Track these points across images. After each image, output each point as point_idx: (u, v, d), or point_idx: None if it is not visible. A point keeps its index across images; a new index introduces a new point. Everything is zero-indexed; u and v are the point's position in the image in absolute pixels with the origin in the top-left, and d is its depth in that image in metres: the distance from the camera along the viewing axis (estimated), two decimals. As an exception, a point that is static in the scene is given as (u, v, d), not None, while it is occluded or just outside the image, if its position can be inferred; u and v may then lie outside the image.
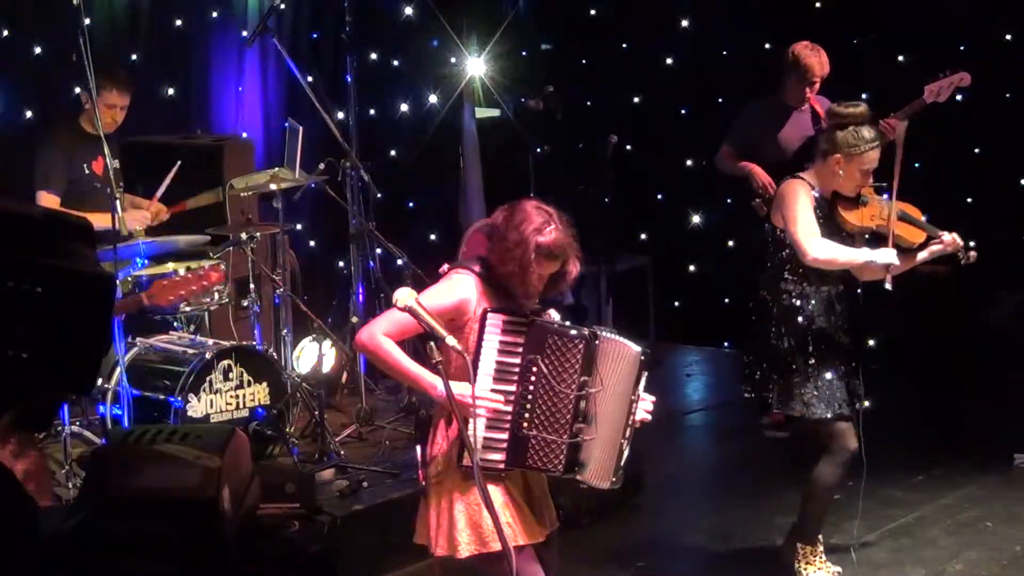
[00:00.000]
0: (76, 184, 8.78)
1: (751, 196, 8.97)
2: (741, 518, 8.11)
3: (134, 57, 10.59)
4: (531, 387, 5.26)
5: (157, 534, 6.18)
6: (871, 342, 10.78)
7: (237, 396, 8.25)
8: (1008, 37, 10.96)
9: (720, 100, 12.05)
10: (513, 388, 5.26)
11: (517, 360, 5.25)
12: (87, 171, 8.81)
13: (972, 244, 7.04)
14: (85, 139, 8.73)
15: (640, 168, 12.46)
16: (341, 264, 10.33)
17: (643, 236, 12.76)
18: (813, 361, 6.86)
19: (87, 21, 8.22)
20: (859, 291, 6.99)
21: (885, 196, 6.91)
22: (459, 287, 5.36)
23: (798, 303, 6.89)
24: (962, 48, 10.93)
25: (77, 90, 8.50)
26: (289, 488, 7.25)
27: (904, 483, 8.77)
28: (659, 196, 12.69)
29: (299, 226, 11.16)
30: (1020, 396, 10.09)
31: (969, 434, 9.37)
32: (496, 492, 5.29)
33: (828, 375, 6.86)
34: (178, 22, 10.94)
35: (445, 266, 5.51)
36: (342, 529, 7.16)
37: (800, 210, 6.78)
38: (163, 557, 6.19)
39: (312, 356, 9.54)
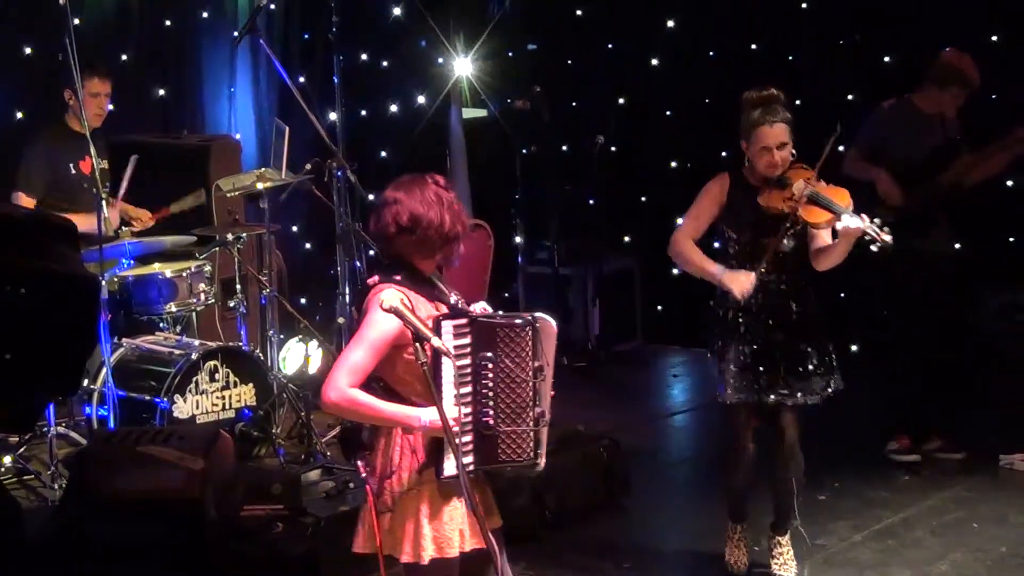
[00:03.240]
0: (63, 184, 8.77)
1: (871, 201, 8.86)
2: (726, 519, 8.08)
3: (124, 57, 10.59)
4: (489, 384, 5.24)
5: (140, 536, 6.19)
6: (854, 347, 10.85)
7: (223, 397, 8.24)
8: (994, 38, 10.98)
9: (707, 101, 12.06)
10: (469, 389, 5.24)
11: (468, 361, 5.22)
12: (73, 171, 8.80)
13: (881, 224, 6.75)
14: (71, 138, 8.72)
15: (626, 169, 12.46)
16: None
17: (629, 238, 12.75)
18: (732, 346, 6.93)
19: (76, 22, 8.22)
20: (806, 287, 6.98)
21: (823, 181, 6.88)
22: (387, 305, 5.27)
23: (718, 290, 6.97)
24: (947, 49, 10.92)
25: (62, 87, 8.48)
26: (275, 489, 7.24)
27: (890, 484, 8.77)
28: (645, 198, 12.68)
29: (294, 227, 11.17)
30: (1005, 397, 10.11)
31: (956, 435, 9.36)
32: (454, 497, 5.28)
33: (742, 358, 6.92)
34: (168, 23, 10.93)
35: (375, 277, 5.40)
36: (327, 530, 7.14)
37: (695, 203, 7.05)
38: (146, 559, 6.19)
39: (298, 357, 9.54)
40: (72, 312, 4.32)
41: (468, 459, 5.23)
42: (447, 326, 5.18)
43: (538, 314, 5.36)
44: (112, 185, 8.85)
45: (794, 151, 6.85)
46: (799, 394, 6.93)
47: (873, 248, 6.67)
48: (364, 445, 5.41)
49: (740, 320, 6.90)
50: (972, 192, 9.06)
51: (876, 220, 6.67)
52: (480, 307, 5.39)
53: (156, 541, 6.23)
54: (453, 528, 5.29)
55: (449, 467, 5.20)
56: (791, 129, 6.83)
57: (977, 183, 8.98)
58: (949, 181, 8.85)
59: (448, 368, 5.13)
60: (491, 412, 5.24)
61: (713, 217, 7.02)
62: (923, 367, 9.10)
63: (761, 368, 6.91)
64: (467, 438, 5.24)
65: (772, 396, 6.91)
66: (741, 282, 6.78)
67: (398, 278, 5.30)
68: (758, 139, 6.83)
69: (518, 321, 5.29)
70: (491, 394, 5.25)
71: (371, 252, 8.96)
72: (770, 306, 6.91)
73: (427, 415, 5.16)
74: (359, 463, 5.37)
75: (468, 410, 5.23)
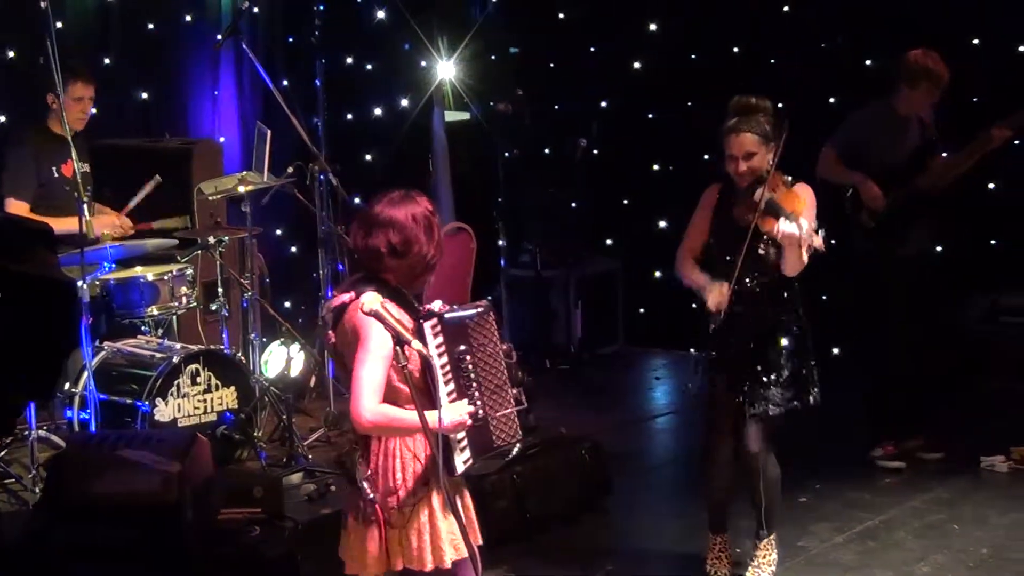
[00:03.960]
0: (46, 188, 8.76)
1: (854, 207, 8.93)
2: (708, 521, 8.10)
3: (107, 61, 10.57)
4: (471, 375, 5.27)
5: (116, 539, 6.18)
6: (835, 350, 10.87)
7: (205, 400, 8.23)
8: (976, 41, 11.00)
9: (689, 104, 12.07)
10: (453, 386, 5.26)
11: (446, 359, 5.24)
12: (56, 174, 8.79)
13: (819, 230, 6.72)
14: (54, 142, 8.70)
15: (609, 172, 12.47)
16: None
17: (612, 241, 12.76)
18: (699, 346, 7.03)
19: (59, 25, 8.21)
20: (788, 296, 6.96)
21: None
22: (380, 325, 5.21)
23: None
24: (914, 49, 10.95)
25: (45, 90, 8.48)
26: (257, 492, 7.23)
27: (872, 486, 8.79)
28: (627, 200, 12.69)
29: (279, 231, 11.16)
30: (987, 399, 10.15)
31: (937, 437, 9.38)
32: (437, 508, 5.29)
33: (704, 366, 7.01)
34: (151, 26, 10.92)
35: (351, 295, 5.37)
36: (309, 534, 7.13)
37: (693, 214, 7.10)
38: (122, 562, 6.18)
39: (280, 360, 9.53)
40: (49, 316, 4.31)
41: (467, 454, 5.29)
42: (427, 327, 5.19)
43: (480, 302, 5.46)
44: (95, 189, 8.85)
45: (771, 160, 6.86)
46: (759, 403, 6.93)
47: (805, 254, 6.65)
48: (361, 465, 5.41)
49: (714, 327, 6.92)
50: (953, 193, 9.08)
51: (815, 226, 6.65)
52: (438, 305, 5.40)
53: (132, 545, 6.21)
54: (445, 537, 5.30)
55: (459, 463, 5.26)
56: (766, 141, 6.84)
57: (954, 183, 9.01)
58: (927, 183, 8.88)
59: (436, 367, 5.17)
60: (478, 402, 5.27)
61: (708, 227, 7.05)
62: (906, 370, 9.12)
63: (727, 373, 6.96)
64: (460, 434, 5.26)
65: (751, 409, 6.95)
66: (715, 295, 6.84)
67: (373, 287, 5.31)
68: (726, 145, 6.90)
69: (480, 310, 5.37)
70: (474, 384, 5.27)
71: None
72: (745, 315, 6.92)
73: (447, 415, 5.17)
74: (364, 485, 5.34)
75: (469, 401, 5.27)
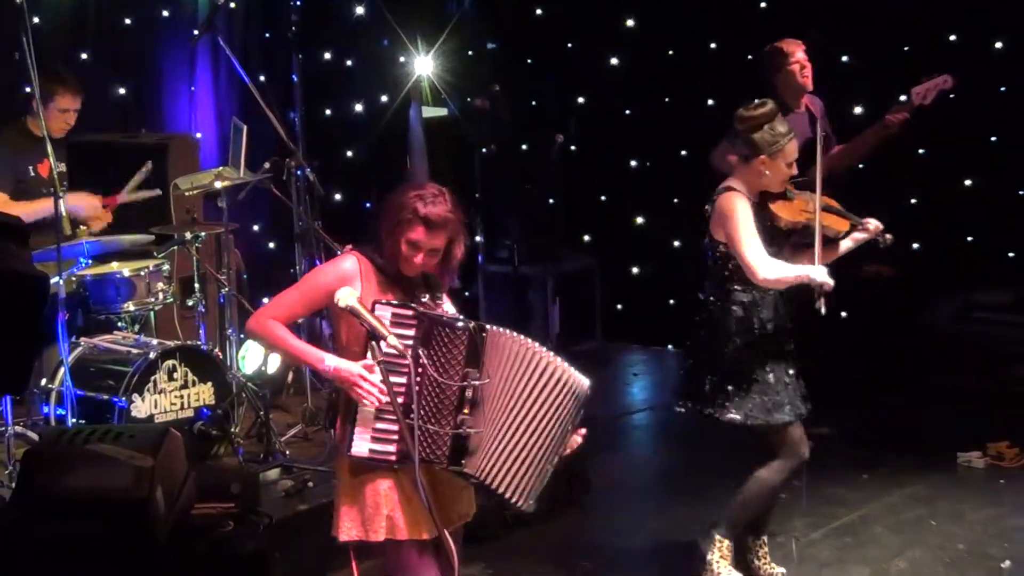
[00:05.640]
0: (22, 185, 8.71)
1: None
2: (686, 517, 8.12)
3: (84, 56, 10.54)
4: (419, 378, 5.24)
5: (87, 534, 6.15)
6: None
7: (182, 396, 8.21)
8: (952, 38, 11.03)
9: (666, 100, 12.09)
10: (404, 380, 5.23)
11: (409, 353, 5.23)
12: (32, 173, 8.74)
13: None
14: (31, 141, 8.64)
15: (586, 168, 12.47)
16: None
17: (589, 237, 12.76)
18: (770, 368, 6.86)
19: (35, 20, 8.17)
20: (818, 295, 6.90)
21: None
22: (338, 264, 5.42)
23: (751, 312, 6.87)
24: (907, 49, 10.99)
25: (28, 89, 8.41)
26: (234, 488, 7.21)
27: (849, 482, 8.81)
28: (604, 197, 12.69)
29: (256, 227, 11.13)
30: (963, 396, 10.18)
31: (914, 433, 9.41)
32: (385, 483, 5.31)
33: (785, 379, 6.88)
34: (127, 21, 10.88)
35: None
36: (282, 529, 7.12)
37: (744, 229, 6.77)
38: (93, 557, 6.15)
39: (257, 356, 9.50)
40: (19, 310, 4.27)
41: (392, 448, 5.27)
42: (384, 311, 5.22)
43: (496, 328, 5.36)
44: (72, 187, 8.82)
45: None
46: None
47: (881, 246, 7.07)
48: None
49: (777, 338, 6.96)
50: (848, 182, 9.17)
51: None
52: (450, 310, 5.42)
53: (103, 539, 6.18)
54: (408, 512, 5.32)
55: (359, 445, 5.25)
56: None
57: (846, 172, 9.05)
58: (815, 175, 8.96)
59: (378, 347, 5.18)
60: (414, 406, 5.23)
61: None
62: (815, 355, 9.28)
63: (801, 380, 7.02)
64: (394, 427, 5.24)
65: (808, 405, 7.01)
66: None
67: (365, 250, 5.36)
68: (788, 153, 6.83)
69: (459, 324, 5.31)
70: (418, 388, 5.24)
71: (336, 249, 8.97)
72: (791, 317, 7.03)
73: (333, 360, 5.26)
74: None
75: (400, 401, 5.22)
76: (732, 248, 6.79)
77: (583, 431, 5.57)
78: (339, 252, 5.64)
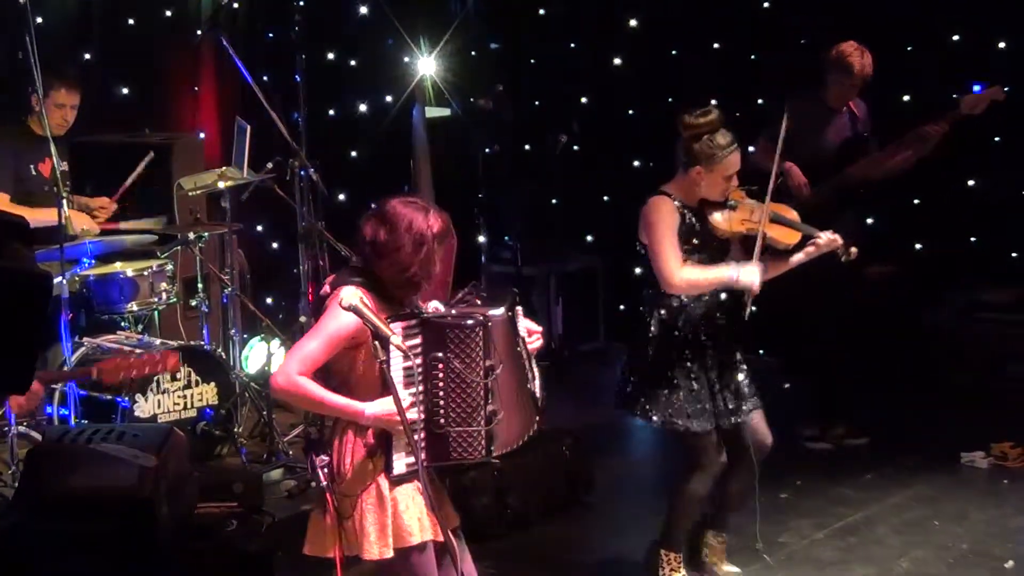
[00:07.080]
0: (24, 185, 8.72)
1: (781, 195, 8.91)
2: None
3: (87, 56, 10.56)
4: (440, 384, 5.24)
5: (91, 533, 6.16)
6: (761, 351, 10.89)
7: (185, 396, 8.23)
8: (956, 38, 11.01)
9: (669, 100, 12.07)
10: (421, 388, 5.22)
11: (419, 361, 5.21)
12: (34, 172, 8.75)
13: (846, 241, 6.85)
14: (33, 140, 8.65)
15: (589, 168, 12.46)
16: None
17: (592, 237, 12.75)
18: (694, 375, 6.79)
19: (39, 20, 8.18)
20: (746, 300, 6.76)
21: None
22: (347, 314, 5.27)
23: (677, 317, 6.81)
24: (909, 49, 10.98)
25: (30, 89, 8.42)
26: (236, 488, 7.22)
27: (853, 482, 8.80)
28: (608, 197, 12.68)
29: (259, 227, 11.14)
30: (966, 396, 10.16)
31: (918, 433, 9.41)
32: (409, 488, 5.30)
33: (713, 388, 6.81)
34: (131, 21, 10.89)
35: (326, 287, 5.43)
36: (285, 528, 7.12)
37: (660, 235, 6.69)
38: (97, 556, 6.16)
39: (261, 356, 9.52)
40: (23, 310, 4.26)
41: (412, 459, 5.24)
42: (397, 327, 5.17)
43: (490, 312, 5.35)
44: (75, 187, 8.83)
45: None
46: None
47: (843, 260, 6.85)
48: (322, 448, 5.41)
49: (703, 346, 6.89)
50: (889, 189, 9.16)
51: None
52: (433, 306, 5.40)
53: (107, 538, 6.19)
54: (412, 517, 5.30)
55: (398, 465, 5.24)
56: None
57: (885, 178, 9.06)
58: (857, 175, 8.95)
59: (397, 366, 5.13)
60: (442, 412, 5.25)
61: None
62: (819, 357, 9.25)
63: (728, 392, 6.93)
64: (419, 436, 5.24)
65: (734, 418, 6.93)
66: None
67: (358, 280, 5.31)
68: (727, 166, 6.69)
69: (469, 322, 5.29)
70: (442, 394, 5.24)
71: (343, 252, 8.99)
72: (729, 328, 6.95)
73: (372, 408, 5.22)
74: (319, 468, 5.35)
75: (421, 409, 5.23)
76: (649, 253, 6.76)
77: (534, 327, 5.62)
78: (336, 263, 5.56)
